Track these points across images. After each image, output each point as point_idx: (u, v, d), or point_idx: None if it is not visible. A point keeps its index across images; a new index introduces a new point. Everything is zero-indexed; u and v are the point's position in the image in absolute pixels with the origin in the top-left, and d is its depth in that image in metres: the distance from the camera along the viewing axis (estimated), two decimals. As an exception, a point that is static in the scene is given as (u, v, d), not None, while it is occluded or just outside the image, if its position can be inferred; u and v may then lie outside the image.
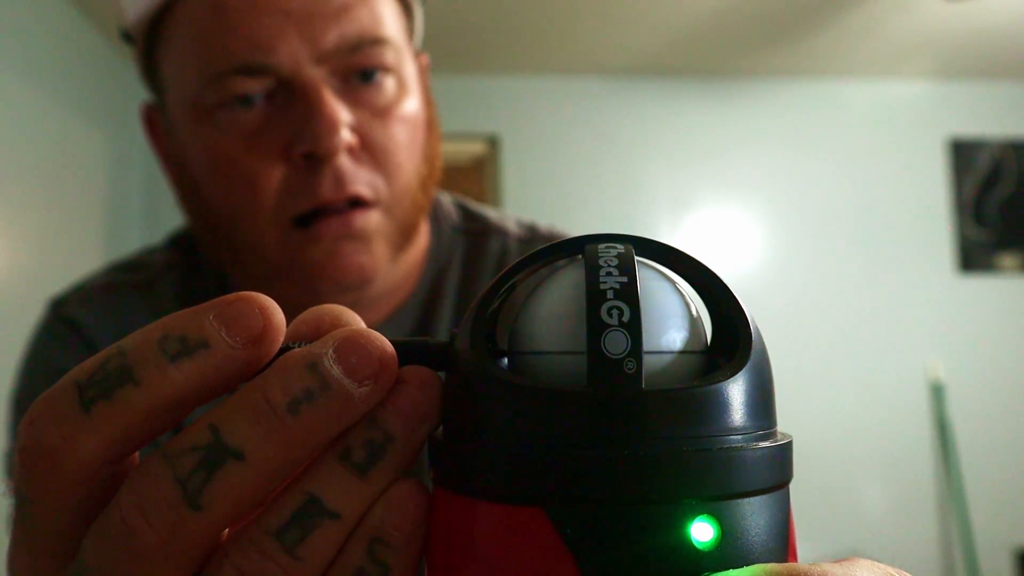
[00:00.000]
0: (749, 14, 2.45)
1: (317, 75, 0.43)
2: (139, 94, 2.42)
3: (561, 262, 0.17)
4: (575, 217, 2.76)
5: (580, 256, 0.16)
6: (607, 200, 2.88)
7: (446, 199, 0.61)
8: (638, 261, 0.16)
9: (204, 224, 0.50)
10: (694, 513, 0.13)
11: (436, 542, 0.16)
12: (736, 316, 0.17)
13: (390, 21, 0.47)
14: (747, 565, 0.14)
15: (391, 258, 0.48)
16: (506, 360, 0.16)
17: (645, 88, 2.95)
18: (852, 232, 2.91)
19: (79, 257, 2.33)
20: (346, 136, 0.43)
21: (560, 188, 2.85)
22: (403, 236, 0.49)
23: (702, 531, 0.13)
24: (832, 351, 2.84)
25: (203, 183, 0.47)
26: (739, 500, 0.14)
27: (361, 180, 0.45)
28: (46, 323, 0.56)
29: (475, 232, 0.59)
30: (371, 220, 0.46)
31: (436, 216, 0.59)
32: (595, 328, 0.14)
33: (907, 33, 2.59)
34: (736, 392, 0.15)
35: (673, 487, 0.13)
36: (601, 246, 0.16)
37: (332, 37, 0.43)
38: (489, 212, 0.62)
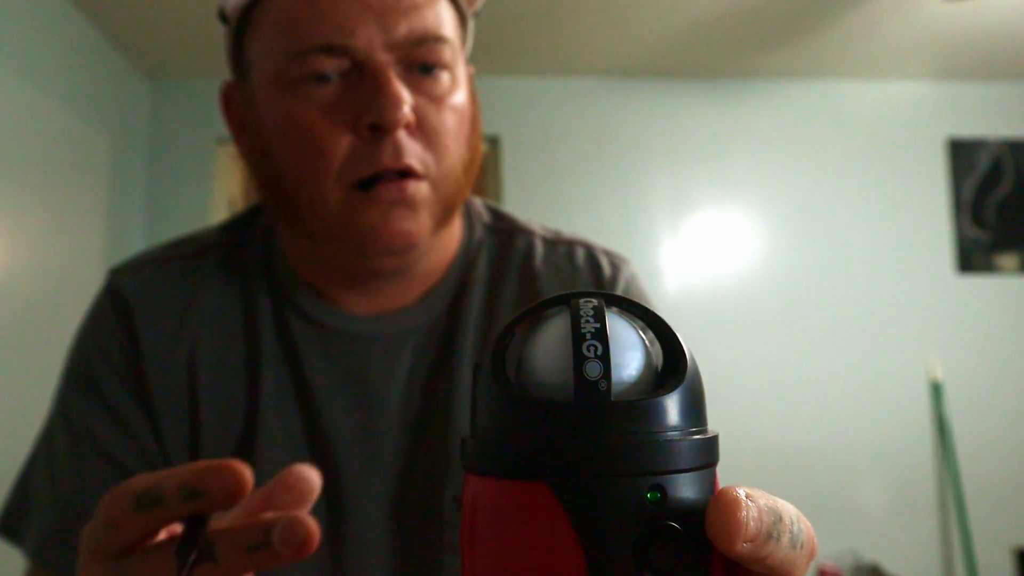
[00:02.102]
0: (749, 15, 2.45)
1: (386, 60, 0.50)
2: (140, 94, 2.43)
3: (551, 311, 0.24)
4: (575, 217, 2.76)
5: (566, 307, 0.23)
6: (607, 200, 2.89)
7: (477, 201, 0.67)
8: (608, 310, 0.22)
9: (272, 186, 0.55)
10: (647, 482, 0.20)
11: (469, 515, 0.22)
12: (676, 348, 0.23)
13: (450, 26, 0.54)
14: (684, 516, 0.20)
15: (432, 230, 0.54)
16: (515, 382, 0.23)
17: (645, 89, 2.96)
18: (851, 232, 2.92)
19: (80, 257, 2.33)
20: (407, 112, 0.50)
21: (560, 188, 2.85)
22: (445, 211, 0.55)
23: (653, 493, 0.20)
24: (831, 351, 2.85)
25: (276, 148, 0.53)
26: (677, 474, 0.20)
27: (414, 154, 0.51)
28: (100, 291, 0.62)
29: (503, 230, 0.65)
30: (421, 190, 0.52)
31: (468, 213, 0.65)
32: (578, 359, 0.21)
33: (906, 34, 2.60)
34: (674, 403, 0.21)
35: (633, 465, 0.20)
36: (582, 300, 0.23)
37: (402, 30, 0.50)
38: (516, 215, 0.68)
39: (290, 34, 0.51)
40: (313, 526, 0.28)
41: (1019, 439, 2.82)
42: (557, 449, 0.20)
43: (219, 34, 0.61)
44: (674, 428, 0.21)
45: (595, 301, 0.22)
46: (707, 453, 0.21)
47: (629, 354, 0.22)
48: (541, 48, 2.69)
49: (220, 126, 2.87)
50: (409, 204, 0.51)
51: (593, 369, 0.20)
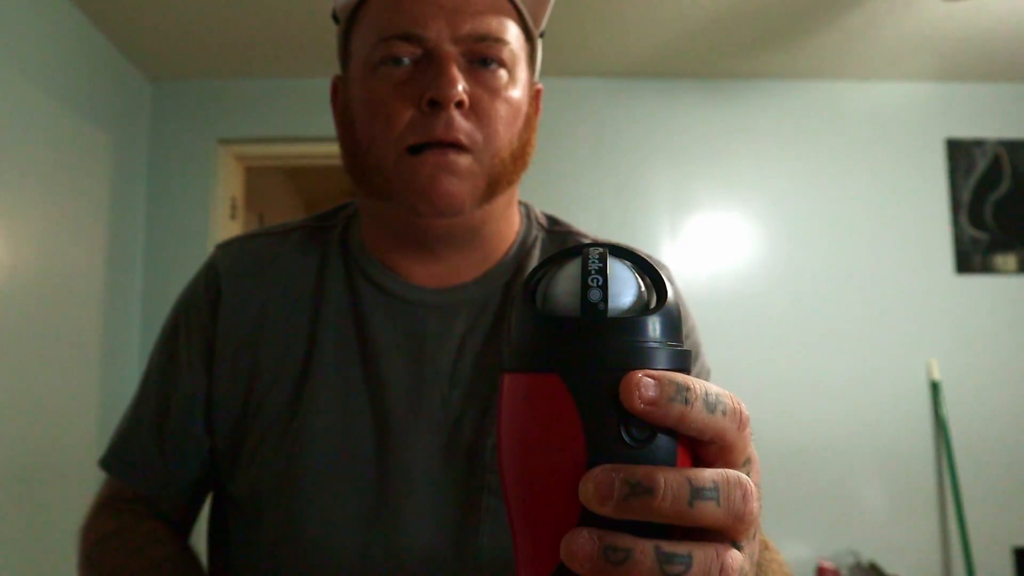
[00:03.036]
0: (748, 16, 2.46)
1: (451, 50, 0.60)
2: (141, 95, 2.43)
3: (569, 258, 0.31)
4: (575, 218, 2.75)
5: (579, 255, 0.30)
6: (607, 200, 2.89)
7: (537, 209, 0.77)
8: (611, 257, 0.30)
9: (351, 154, 0.65)
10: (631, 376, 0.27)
11: (504, 404, 0.29)
12: (661, 285, 0.30)
13: (512, 34, 0.63)
14: None
15: (476, 201, 0.62)
16: (540, 305, 0.30)
17: (645, 89, 2.96)
18: (850, 232, 2.92)
19: (81, 257, 2.34)
20: (460, 92, 0.58)
21: (560, 188, 2.85)
22: (489, 185, 0.63)
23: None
24: (830, 351, 2.85)
25: (358, 119, 0.64)
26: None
27: (464, 130, 0.60)
28: (204, 263, 0.74)
29: (559, 232, 0.75)
30: (464, 161, 0.60)
31: (528, 216, 0.75)
32: (584, 288, 0.28)
33: (905, 34, 2.60)
34: (654, 322, 0.28)
35: (619, 363, 0.27)
36: (592, 249, 0.30)
37: (467, 27, 0.60)
38: (573, 224, 0.77)
39: (378, 26, 0.61)
40: None
41: (1018, 439, 2.82)
42: (567, 350, 0.27)
43: (219, 36, 0.65)
44: (654, 341, 0.28)
45: (602, 249, 0.30)
46: (679, 360, 0.28)
47: (623, 287, 0.29)
48: (542, 48, 2.69)
49: (221, 126, 2.88)
50: (452, 170, 0.60)
51: (595, 295, 0.28)
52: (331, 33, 2.76)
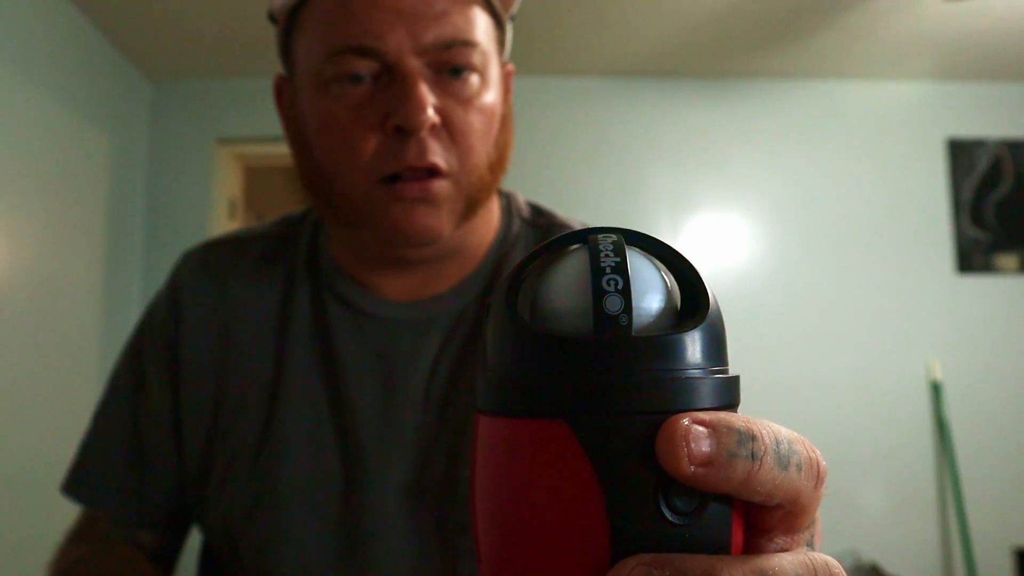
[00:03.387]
0: (748, 16, 2.46)
1: (415, 65, 0.53)
2: (140, 95, 2.43)
3: (569, 248, 0.23)
4: (575, 217, 2.76)
5: (583, 245, 0.22)
6: (607, 200, 2.89)
7: (520, 198, 0.70)
8: (627, 247, 0.21)
9: (310, 177, 0.59)
10: (663, 420, 0.19)
11: (482, 460, 0.21)
12: (698, 286, 0.22)
13: (481, 29, 0.56)
14: None
15: (454, 225, 0.57)
16: (530, 318, 0.22)
17: (645, 89, 2.96)
18: (851, 232, 2.92)
19: (80, 257, 2.34)
20: (431, 116, 0.52)
21: (560, 188, 2.85)
22: (467, 207, 0.57)
23: None
24: (831, 351, 2.85)
25: (314, 142, 0.57)
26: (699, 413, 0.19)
27: (438, 153, 0.54)
28: (167, 277, 0.69)
29: (542, 226, 0.68)
30: (443, 188, 0.55)
31: (509, 208, 0.68)
32: (598, 293, 0.20)
33: (906, 34, 2.60)
34: (696, 340, 0.20)
35: (656, 403, 0.19)
36: (600, 236, 0.22)
37: (431, 35, 0.53)
38: (558, 213, 0.70)
39: (326, 35, 0.54)
40: None
41: (1019, 439, 2.82)
42: (576, 385, 0.19)
43: (219, 36, 0.63)
44: (696, 366, 0.20)
45: (615, 236, 0.22)
46: (729, 393, 0.20)
47: (650, 289, 0.21)
48: (541, 48, 2.69)
49: (220, 126, 2.87)
50: (431, 201, 0.54)
51: (614, 303, 0.20)
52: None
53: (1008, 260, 2.92)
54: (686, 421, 0.19)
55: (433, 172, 0.54)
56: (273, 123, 3.20)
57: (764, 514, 0.21)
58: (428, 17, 0.53)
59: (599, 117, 2.94)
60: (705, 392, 0.20)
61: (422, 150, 0.53)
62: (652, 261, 0.22)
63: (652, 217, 2.91)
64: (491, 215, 0.65)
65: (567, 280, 0.21)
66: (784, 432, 0.20)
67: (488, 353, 0.22)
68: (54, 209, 2.18)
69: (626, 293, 0.20)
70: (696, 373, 0.20)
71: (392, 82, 0.53)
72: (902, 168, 2.96)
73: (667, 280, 0.22)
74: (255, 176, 3.32)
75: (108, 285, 2.49)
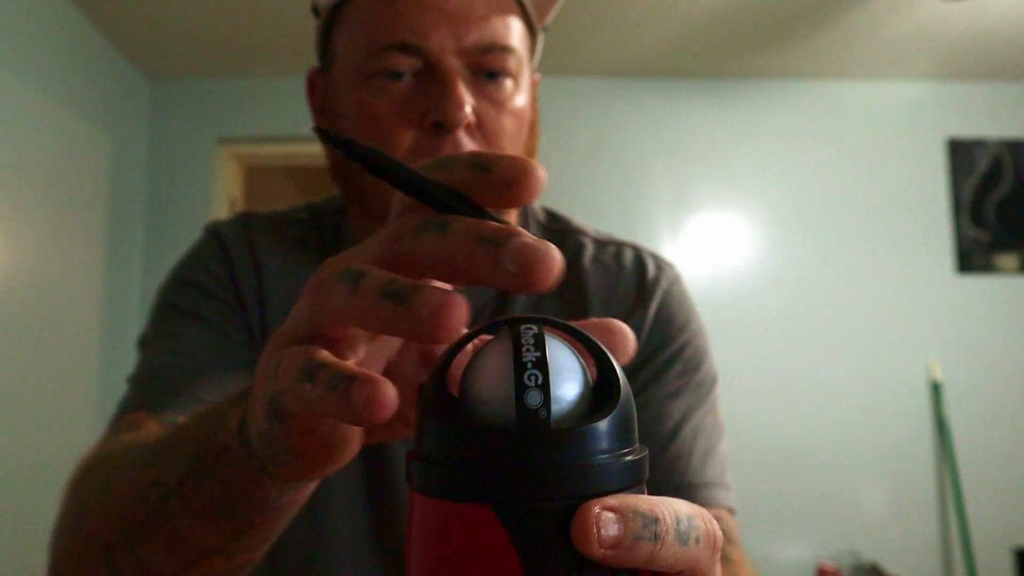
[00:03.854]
0: (748, 16, 2.46)
1: (455, 64, 0.55)
2: (140, 95, 2.43)
3: (495, 335, 0.24)
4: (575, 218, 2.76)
5: (508, 334, 0.23)
6: (607, 200, 2.89)
7: (536, 203, 0.72)
8: (548, 336, 0.23)
9: (342, 168, 0.61)
10: (580, 503, 0.21)
11: (415, 535, 0.23)
12: (611, 373, 0.24)
13: (518, 37, 0.58)
14: None
15: None
16: (459, 404, 0.24)
17: (645, 89, 2.96)
18: (851, 232, 2.92)
19: (80, 257, 2.34)
20: (468, 114, 0.54)
21: (560, 188, 2.85)
22: None
23: None
24: (831, 351, 2.85)
25: (348, 133, 0.58)
26: (609, 495, 0.22)
27: None
28: (200, 236, 0.69)
29: (557, 231, 0.70)
30: None
31: (525, 212, 0.69)
32: (520, 389, 0.22)
33: (906, 34, 2.60)
34: (607, 428, 0.22)
35: (570, 488, 0.21)
36: (523, 327, 0.23)
37: (473, 38, 0.55)
38: (573, 219, 0.72)
39: (371, 31, 0.55)
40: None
41: (1019, 439, 2.82)
42: (500, 473, 0.21)
43: (219, 36, 0.63)
44: (607, 451, 0.22)
45: (535, 328, 0.23)
46: (636, 473, 0.23)
47: (567, 382, 0.23)
48: (542, 48, 2.69)
49: (220, 126, 2.87)
50: None
51: (534, 398, 0.21)
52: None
53: (1008, 260, 2.92)
54: (597, 508, 0.21)
55: None
56: (273, 123, 3.21)
57: None
58: (471, 20, 0.55)
59: (599, 117, 2.94)
60: (615, 475, 0.22)
61: (457, 148, 0.54)
62: (570, 349, 0.24)
63: (652, 217, 2.91)
64: (509, 218, 0.65)
65: (492, 372, 0.23)
66: (684, 510, 0.23)
67: (421, 434, 0.23)
68: (54, 209, 2.18)
69: (545, 388, 0.22)
70: (606, 458, 0.22)
71: (431, 80, 0.55)
72: (902, 168, 2.96)
73: (583, 367, 0.24)
74: (255, 176, 3.32)
75: (108, 285, 2.49)
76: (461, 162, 0.25)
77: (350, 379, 0.22)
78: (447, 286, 0.26)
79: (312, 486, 0.37)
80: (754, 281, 2.88)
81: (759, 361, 2.80)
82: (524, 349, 0.22)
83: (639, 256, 0.68)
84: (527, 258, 0.22)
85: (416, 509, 0.23)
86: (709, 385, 0.65)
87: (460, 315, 0.22)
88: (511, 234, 0.22)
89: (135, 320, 2.70)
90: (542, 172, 0.24)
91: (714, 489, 0.59)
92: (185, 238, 2.76)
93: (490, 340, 0.24)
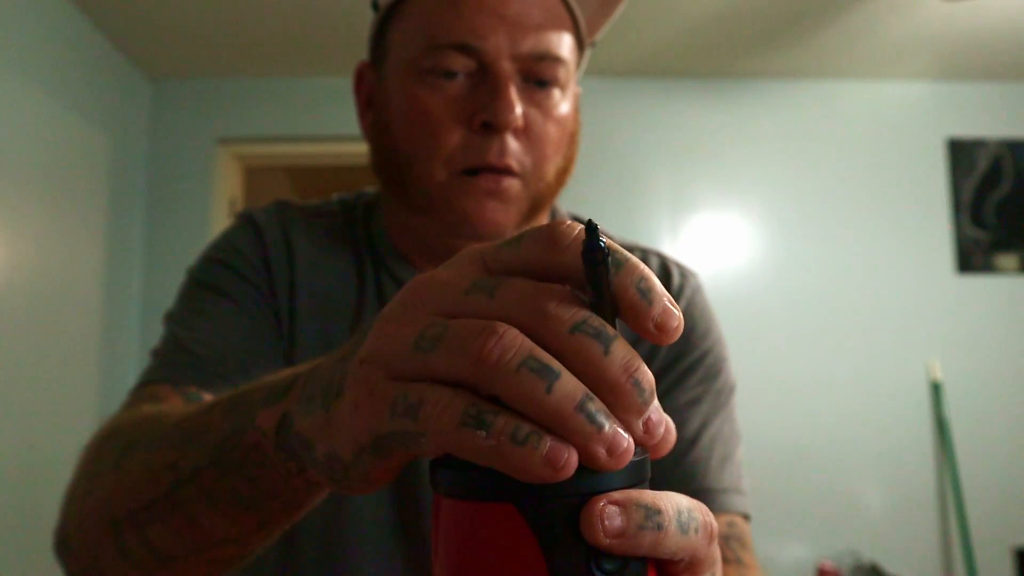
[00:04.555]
0: (748, 16, 2.46)
1: (509, 69, 0.57)
2: (140, 95, 2.42)
3: None
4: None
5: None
6: (607, 200, 2.89)
7: (563, 209, 0.74)
8: None
9: (385, 159, 0.62)
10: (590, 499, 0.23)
11: (443, 537, 0.25)
12: None
13: (569, 49, 0.60)
14: None
15: (518, 224, 0.60)
16: None
17: (645, 89, 2.96)
18: (850, 232, 2.92)
19: (80, 257, 2.34)
20: (518, 117, 0.56)
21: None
22: (531, 209, 0.61)
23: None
24: (831, 351, 2.85)
25: (396, 126, 0.60)
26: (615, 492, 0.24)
27: (516, 156, 0.58)
28: (235, 221, 0.69)
29: None
30: (514, 186, 0.58)
31: (554, 216, 0.71)
32: None
33: (906, 34, 2.60)
34: None
35: (582, 487, 0.23)
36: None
37: (528, 44, 0.57)
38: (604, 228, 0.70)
39: (429, 29, 0.57)
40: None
41: (1019, 439, 2.82)
42: None
43: (219, 36, 0.63)
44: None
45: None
46: (640, 472, 0.25)
47: None
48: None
49: (220, 126, 2.87)
50: (502, 197, 0.58)
51: None
52: (331, 33, 2.74)
53: (1008, 260, 2.92)
54: (602, 503, 0.23)
55: (507, 173, 0.57)
56: (273, 123, 3.21)
57: (672, 567, 0.25)
58: (528, 27, 0.56)
59: (599, 117, 2.94)
60: (620, 474, 0.24)
61: (503, 149, 0.56)
62: None
63: (652, 217, 2.91)
64: (541, 221, 0.67)
65: None
66: (685, 503, 0.25)
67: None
68: (54, 208, 2.19)
69: None
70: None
71: (484, 81, 0.56)
72: (902, 168, 2.96)
73: None
74: (255, 176, 3.32)
75: (108, 285, 2.49)
76: (633, 279, 0.24)
77: (539, 434, 0.22)
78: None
79: None
80: (754, 281, 2.88)
81: (759, 361, 2.80)
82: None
83: (664, 264, 0.69)
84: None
85: (443, 511, 0.25)
86: (728, 393, 0.66)
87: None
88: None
89: (135, 319, 2.70)
90: (680, 323, 0.25)
91: (731, 495, 0.61)
92: (185, 238, 2.78)
93: None
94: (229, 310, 0.61)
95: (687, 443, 0.61)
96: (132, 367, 2.64)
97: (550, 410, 0.23)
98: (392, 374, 0.25)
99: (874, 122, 2.98)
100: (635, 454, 0.25)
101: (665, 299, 0.24)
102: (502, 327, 0.23)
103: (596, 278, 0.24)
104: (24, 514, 1.98)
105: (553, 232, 0.25)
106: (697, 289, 0.69)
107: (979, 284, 2.91)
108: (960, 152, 2.97)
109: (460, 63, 0.56)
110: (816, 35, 2.60)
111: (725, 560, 0.57)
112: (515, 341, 0.23)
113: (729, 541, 0.59)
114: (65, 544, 0.46)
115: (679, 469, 0.60)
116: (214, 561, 0.40)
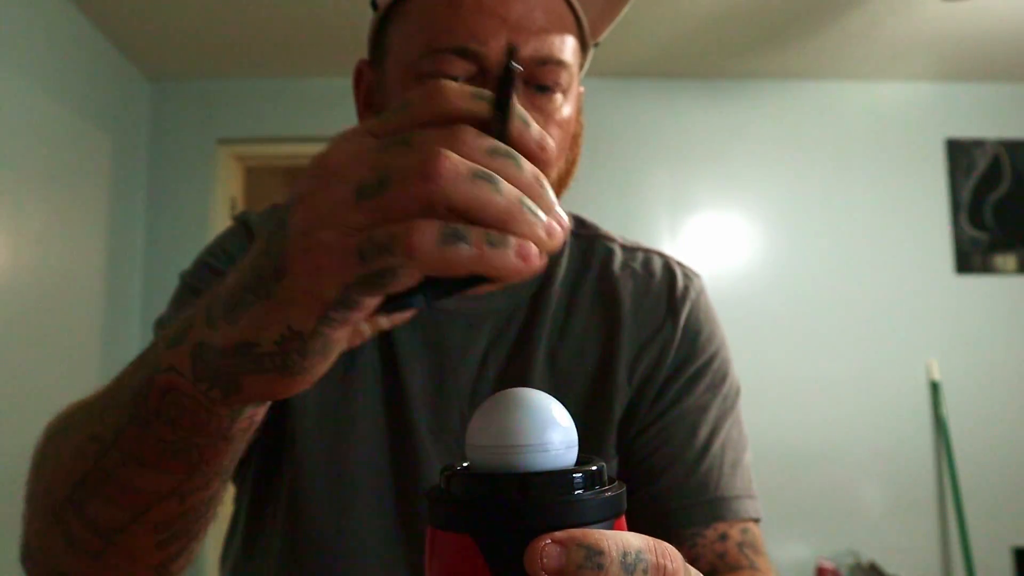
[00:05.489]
0: (748, 17, 2.46)
1: None
2: (141, 95, 2.43)
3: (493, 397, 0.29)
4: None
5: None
6: (607, 200, 2.89)
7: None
8: (529, 394, 0.28)
9: None
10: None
11: (427, 559, 0.27)
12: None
13: (571, 52, 0.58)
14: None
15: None
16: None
17: (645, 90, 2.96)
18: (850, 233, 2.92)
19: (81, 257, 2.34)
20: None
21: (560, 188, 2.85)
22: None
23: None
24: (830, 351, 2.85)
25: None
26: (584, 527, 0.25)
27: None
28: (229, 225, 0.69)
29: (586, 236, 0.71)
30: None
31: None
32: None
33: (905, 35, 2.60)
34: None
35: (538, 524, 0.24)
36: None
37: (530, 48, 0.55)
38: (600, 226, 0.73)
39: (429, 32, 0.55)
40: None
41: (1017, 439, 2.82)
42: (479, 507, 0.25)
43: (219, 36, 0.63)
44: (579, 490, 0.26)
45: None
46: (606, 509, 0.26)
47: (547, 431, 0.27)
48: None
49: (221, 126, 2.87)
50: None
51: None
52: (332, 34, 2.75)
53: (1007, 260, 2.93)
54: (545, 541, 0.24)
55: None
56: (274, 123, 3.21)
57: None
58: (530, 31, 0.54)
59: (599, 117, 2.94)
60: (579, 512, 0.25)
61: None
62: (558, 403, 0.28)
63: (652, 217, 2.91)
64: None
65: (484, 427, 0.28)
66: (635, 543, 0.25)
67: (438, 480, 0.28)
68: (55, 209, 2.19)
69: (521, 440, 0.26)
70: (573, 498, 0.25)
71: (485, 86, 0.54)
72: (901, 168, 2.96)
73: (567, 418, 0.28)
74: (255, 176, 3.32)
75: (109, 285, 2.49)
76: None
77: (504, 236, 0.26)
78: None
79: (262, 409, 0.38)
80: (753, 281, 2.88)
81: (758, 361, 2.80)
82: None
83: (668, 265, 0.69)
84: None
85: (427, 539, 0.28)
86: (734, 397, 0.67)
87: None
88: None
89: (136, 319, 2.70)
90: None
91: (743, 501, 0.61)
92: (185, 238, 2.78)
93: (489, 399, 0.29)
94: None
95: (699, 451, 0.61)
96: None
97: (503, 209, 0.26)
98: (344, 228, 0.27)
99: (873, 122, 2.99)
100: (610, 489, 0.26)
101: (535, 127, 0.29)
102: (445, 151, 0.26)
103: (505, 98, 0.28)
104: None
105: (438, 87, 0.29)
106: (701, 292, 0.68)
107: (978, 284, 2.91)
108: (959, 152, 2.97)
109: (460, 67, 0.54)
110: (816, 35, 2.61)
111: (740, 567, 0.57)
112: (461, 159, 0.26)
113: (743, 548, 0.59)
114: (27, 551, 0.46)
115: (692, 479, 0.60)
116: (159, 525, 0.40)
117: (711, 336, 0.66)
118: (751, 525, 0.61)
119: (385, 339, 0.62)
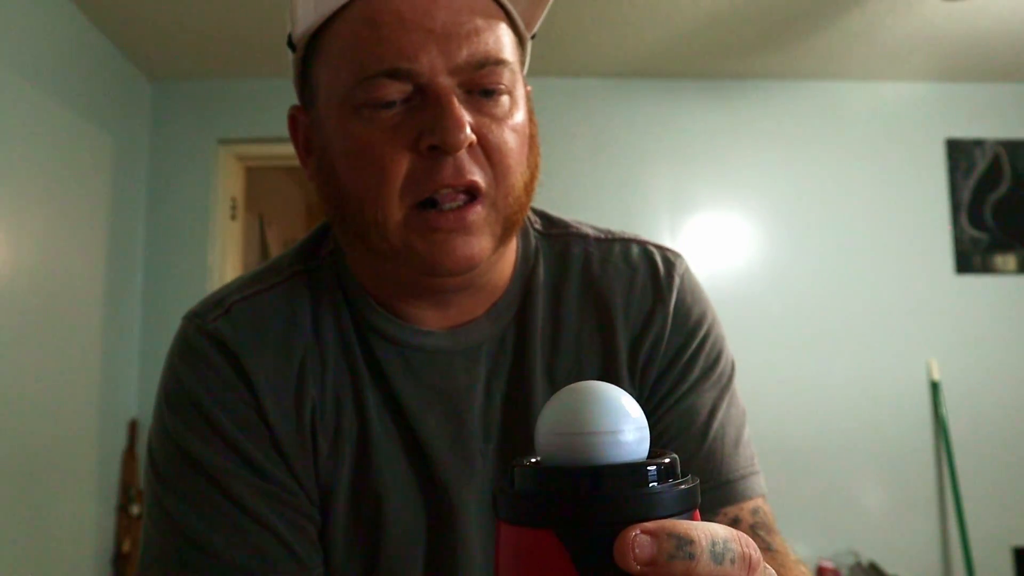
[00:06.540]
0: (748, 17, 2.46)
1: (448, 84, 0.51)
2: (141, 95, 2.43)
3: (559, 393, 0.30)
4: (582, 221, 2.76)
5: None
6: (607, 200, 2.89)
7: (529, 210, 0.68)
8: (606, 386, 0.29)
9: (337, 206, 0.57)
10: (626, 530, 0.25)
11: (501, 558, 0.27)
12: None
13: (509, 48, 0.55)
14: None
15: (493, 249, 0.55)
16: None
17: (645, 90, 2.96)
18: (850, 233, 2.92)
19: (82, 257, 2.34)
20: (468, 135, 0.51)
21: (560, 188, 2.86)
22: (505, 230, 0.56)
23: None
24: (830, 351, 2.85)
25: (341, 169, 0.55)
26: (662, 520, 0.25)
27: (476, 171, 0.52)
28: (186, 338, 0.60)
29: (557, 235, 0.68)
30: (479, 213, 0.53)
31: (525, 231, 0.67)
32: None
33: (905, 35, 2.60)
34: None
35: (621, 516, 0.25)
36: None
37: (464, 54, 0.52)
38: (567, 218, 0.70)
39: (355, 59, 0.52)
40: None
41: (1017, 438, 2.82)
42: (560, 503, 0.26)
43: (219, 36, 0.62)
44: (656, 483, 0.26)
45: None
46: (684, 501, 0.26)
47: (620, 424, 0.27)
48: (541, 48, 2.69)
49: (221, 126, 2.88)
50: (469, 230, 0.53)
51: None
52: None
53: (1006, 260, 2.93)
54: (635, 532, 0.24)
55: (472, 191, 0.52)
56: (274, 123, 3.21)
57: None
58: (460, 36, 0.51)
59: (599, 117, 2.94)
60: (661, 504, 0.26)
61: (459, 169, 0.51)
62: (627, 396, 0.29)
63: (652, 217, 2.91)
64: (514, 238, 0.64)
65: (560, 418, 0.28)
66: (722, 533, 0.26)
67: (507, 472, 0.29)
68: (55, 209, 2.19)
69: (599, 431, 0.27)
70: (653, 489, 0.26)
71: (425, 103, 0.51)
72: (901, 168, 2.96)
73: (638, 411, 0.28)
74: (256, 176, 3.32)
75: (109, 285, 2.50)
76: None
77: None
78: None
79: None
80: (753, 281, 2.88)
81: (758, 361, 2.80)
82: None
83: (646, 252, 0.67)
84: None
85: (501, 536, 0.28)
86: (729, 374, 0.66)
87: None
88: None
89: (136, 319, 2.70)
90: None
91: (748, 480, 0.61)
92: (186, 238, 2.78)
93: (561, 391, 0.29)
94: (226, 511, 0.58)
95: (701, 434, 0.61)
96: (133, 366, 2.64)
97: None
98: None
99: (873, 122, 2.99)
100: (685, 482, 0.27)
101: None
102: None
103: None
104: (26, 512, 1.99)
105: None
106: (685, 273, 0.66)
107: (978, 284, 2.91)
108: (959, 152, 2.97)
109: (395, 90, 0.51)
110: (816, 36, 2.61)
111: None
112: None
113: (756, 529, 0.58)
114: None
115: (694, 463, 0.60)
116: None
117: (701, 317, 0.65)
118: (760, 502, 0.60)
119: (389, 394, 0.60)
